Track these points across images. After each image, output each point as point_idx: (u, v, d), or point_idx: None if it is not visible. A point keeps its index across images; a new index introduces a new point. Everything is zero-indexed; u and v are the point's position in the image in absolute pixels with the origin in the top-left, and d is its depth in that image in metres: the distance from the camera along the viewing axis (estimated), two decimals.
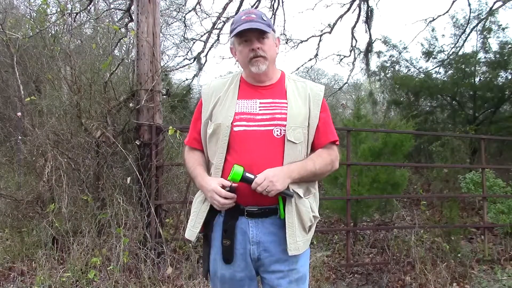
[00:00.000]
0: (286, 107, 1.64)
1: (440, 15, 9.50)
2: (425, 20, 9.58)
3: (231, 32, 1.68)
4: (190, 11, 9.90)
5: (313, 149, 1.70)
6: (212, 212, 1.66)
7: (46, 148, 4.09)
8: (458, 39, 9.02)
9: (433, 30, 9.23)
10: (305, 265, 1.72)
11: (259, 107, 1.65)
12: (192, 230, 1.69)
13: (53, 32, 5.30)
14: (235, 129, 1.62)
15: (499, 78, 8.14)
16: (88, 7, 6.90)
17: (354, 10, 10.13)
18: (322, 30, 10.71)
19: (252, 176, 1.52)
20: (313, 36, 10.88)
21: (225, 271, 1.65)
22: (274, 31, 1.71)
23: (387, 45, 9.53)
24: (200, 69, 9.97)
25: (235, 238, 1.62)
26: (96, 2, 8.12)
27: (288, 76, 1.78)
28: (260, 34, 1.63)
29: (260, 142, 1.59)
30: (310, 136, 1.67)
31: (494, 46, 8.34)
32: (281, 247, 1.62)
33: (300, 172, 1.59)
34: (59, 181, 4.04)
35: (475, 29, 8.73)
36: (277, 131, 1.61)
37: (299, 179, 1.60)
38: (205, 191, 1.63)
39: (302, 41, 10.86)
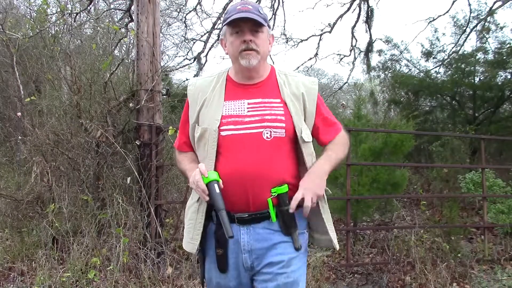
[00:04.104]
0: (277, 106, 1.56)
1: (440, 15, 9.52)
2: (426, 20, 9.61)
3: (223, 21, 1.58)
4: (190, 11, 9.91)
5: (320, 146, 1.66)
6: (206, 221, 1.59)
7: (46, 148, 4.10)
8: (458, 39, 9.03)
9: (435, 31, 9.26)
10: (298, 270, 1.58)
11: (247, 108, 1.55)
12: (191, 242, 1.61)
13: (53, 32, 5.29)
14: (223, 133, 1.52)
15: (499, 78, 8.14)
16: (88, 7, 6.90)
17: (354, 9, 10.15)
18: (322, 30, 10.72)
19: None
20: (313, 35, 10.90)
21: (220, 279, 1.60)
22: (269, 27, 1.62)
23: (389, 44, 9.54)
24: (200, 69, 9.98)
25: (228, 247, 1.55)
26: (96, 2, 8.12)
27: (279, 71, 1.66)
28: (254, 27, 1.53)
29: (249, 146, 1.50)
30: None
31: (493, 46, 8.36)
32: (273, 252, 1.54)
33: (329, 165, 1.57)
34: (59, 181, 4.04)
35: (475, 29, 8.74)
36: (267, 133, 1.52)
37: (330, 171, 1.58)
38: (191, 185, 1.55)
39: (302, 40, 10.87)
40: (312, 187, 1.49)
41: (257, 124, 1.52)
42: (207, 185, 1.46)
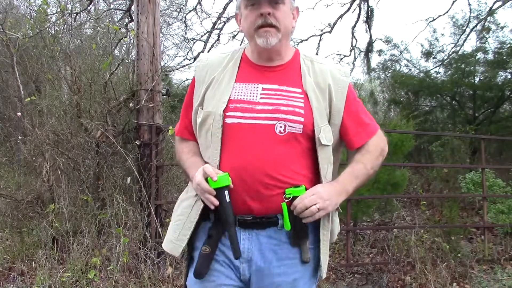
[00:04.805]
0: (296, 97, 1.30)
1: (440, 15, 9.50)
2: (426, 20, 9.61)
3: None
4: (190, 11, 9.90)
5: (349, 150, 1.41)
6: (201, 220, 1.33)
7: (46, 148, 4.10)
8: (458, 39, 9.04)
9: (434, 31, 9.26)
10: None
11: (261, 94, 1.29)
12: (175, 243, 1.34)
13: (53, 32, 5.29)
14: (227, 120, 1.27)
15: (499, 78, 8.15)
16: (88, 7, 6.90)
17: (354, 9, 10.13)
18: (322, 30, 10.71)
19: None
20: (313, 35, 10.87)
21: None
22: None
23: (389, 44, 9.56)
24: None
25: (218, 248, 1.30)
26: (96, 2, 8.12)
27: (304, 56, 1.39)
28: None
29: (257, 139, 1.26)
30: (334, 136, 1.34)
31: (493, 46, 8.37)
32: (279, 270, 1.30)
33: (354, 183, 1.33)
34: (59, 181, 4.04)
35: (474, 29, 8.75)
36: (281, 126, 1.26)
37: (353, 192, 1.34)
38: (194, 189, 1.32)
39: (302, 40, 10.84)
40: (325, 196, 1.26)
41: (269, 115, 1.27)
42: (216, 191, 1.23)
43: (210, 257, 1.28)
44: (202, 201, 1.30)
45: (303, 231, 1.31)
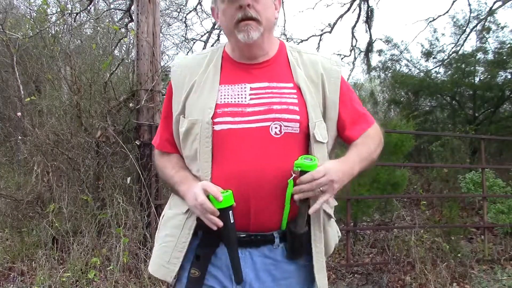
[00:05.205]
0: (288, 93, 1.19)
1: (440, 15, 9.51)
2: (426, 20, 9.62)
3: None
4: (190, 11, 9.90)
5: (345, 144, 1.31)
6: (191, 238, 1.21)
7: (46, 148, 4.10)
8: (458, 39, 9.04)
9: (435, 31, 9.27)
10: None
11: (250, 94, 1.17)
12: (166, 266, 1.19)
13: (53, 32, 5.30)
14: (216, 127, 1.15)
15: (499, 78, 8.16)
16: (88, 7, 6.89)
17: (354, 10, 10.15)
18: (322, 30, 10.72)
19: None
20: (313, 35, 10.89)
21: None
22: None
23: (389, 44, 9.57)
24: None
25: (209, 269, 1.17)
26: (96, 2, 8.11)
27: (290, 47, 1.27)
28: None
29: (252, 145, 1.13)
30: (330, 132, 1.23)
31: (493, 46, 8.38)
32: None
33: (358, 165, 1.20)
34: (59, 181, 4.04)
35: (475, 29, 8.76)
36: (276, 128, 1.14)
37: (357, 175, 1.21)
38: (192, 208, 1.17)
39: (302, 41, 10.85)
40: (335, 179, 1.11)
41: (262, 116, 1.15)
42: (220, 212, 1.11)
43: (200, 282, 1.16)
44: (198, 219, 1.18)
45: (302, 242, 1.18)
